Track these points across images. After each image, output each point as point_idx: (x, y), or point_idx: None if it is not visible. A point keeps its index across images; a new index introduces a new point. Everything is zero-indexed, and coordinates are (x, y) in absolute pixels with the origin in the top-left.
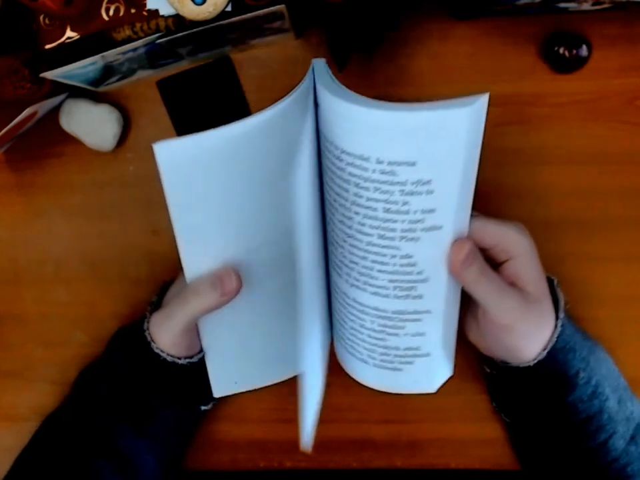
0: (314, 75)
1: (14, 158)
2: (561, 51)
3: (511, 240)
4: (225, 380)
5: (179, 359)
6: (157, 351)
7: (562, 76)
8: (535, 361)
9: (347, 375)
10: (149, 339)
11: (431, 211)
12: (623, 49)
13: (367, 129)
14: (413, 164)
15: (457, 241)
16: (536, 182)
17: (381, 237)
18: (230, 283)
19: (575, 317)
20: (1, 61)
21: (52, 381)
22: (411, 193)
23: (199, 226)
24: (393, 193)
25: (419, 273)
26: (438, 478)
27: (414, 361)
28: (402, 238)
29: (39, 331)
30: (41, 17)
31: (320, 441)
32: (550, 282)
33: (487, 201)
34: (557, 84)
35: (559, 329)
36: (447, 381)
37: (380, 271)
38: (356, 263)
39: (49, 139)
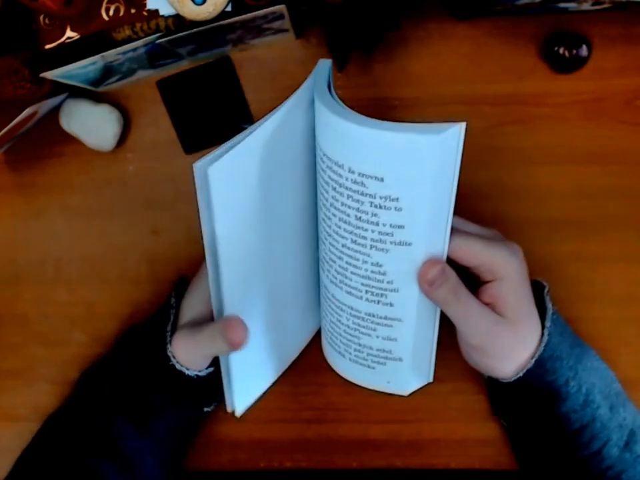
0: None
1: (14, 158)
2: (561, 51)
3: (498, 262)
4: (246, 398)
5: (187, 369)
6: (169, 353)
7: (562, 76)
8: (524, 370)
9: None
10: (167, 339)
11: (400, 226)
12: (623, 49)
13: (341, 138)
14: (382, 180)
15: (428, 261)
16: (536, 182)
17: (354, 241)
18: (236, 337)
19: (575, 318)
20: (1, 61)
21: (52, 381)
22: (380, 207)
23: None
24: (363, 202)
25: (389, 282)
26: (438, 478)
27: (386, 362)
28: (372, 247)
29: (39, 331)
30: (41, 17)
31: (320, 441)
32: (540, 288)
33: (487, 201)
34: (557, 84)
35: (545, 337)
36: (423, 387)
37: (353, 273)
38: (334, 261)
39: (49, 139)
